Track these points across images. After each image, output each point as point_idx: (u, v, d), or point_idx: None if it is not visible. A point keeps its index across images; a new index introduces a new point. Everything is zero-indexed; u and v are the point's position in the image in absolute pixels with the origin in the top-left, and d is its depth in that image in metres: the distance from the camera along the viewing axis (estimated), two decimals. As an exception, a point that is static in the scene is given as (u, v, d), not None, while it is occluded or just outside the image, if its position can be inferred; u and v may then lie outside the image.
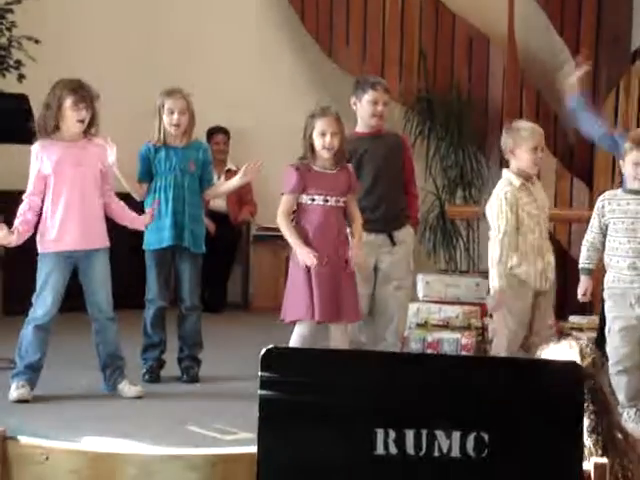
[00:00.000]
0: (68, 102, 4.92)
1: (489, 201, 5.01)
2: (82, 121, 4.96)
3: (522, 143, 4.92)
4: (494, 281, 4.90)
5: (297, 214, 4.93)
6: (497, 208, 4.91)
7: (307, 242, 4.84)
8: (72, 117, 4.95)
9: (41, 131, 4.97)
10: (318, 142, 4.84)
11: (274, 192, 8.02)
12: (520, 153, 4.92)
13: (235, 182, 5.61)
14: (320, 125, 4.81)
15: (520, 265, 4.90)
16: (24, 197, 5.02)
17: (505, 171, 5.03)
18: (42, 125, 4.97)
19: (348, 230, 4.99)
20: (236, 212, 8.20)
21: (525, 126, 5.07)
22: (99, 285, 5.07)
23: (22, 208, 5.00)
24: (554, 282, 5.07)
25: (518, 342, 4.98)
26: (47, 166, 4.96)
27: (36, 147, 5.01)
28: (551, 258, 5.01)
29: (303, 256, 4.78)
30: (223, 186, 5.88)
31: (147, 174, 5.48)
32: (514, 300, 4.92)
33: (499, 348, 5.01)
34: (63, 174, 4.97)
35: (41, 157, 4.97)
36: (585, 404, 1.95)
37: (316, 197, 4.88)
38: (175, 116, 5.41)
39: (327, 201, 4.88)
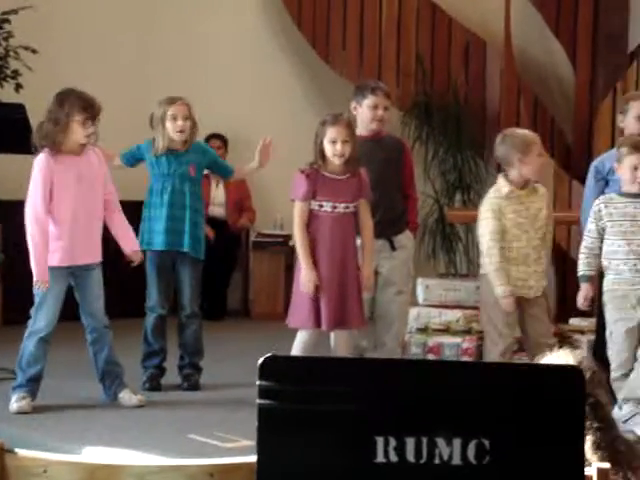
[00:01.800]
0: (78, 119, 4.87)
1: (479, 209, 5.08)
2: (88, 137, 4.94)
3: (529, 150, 4.93)
4: (498, 288, 4.92)
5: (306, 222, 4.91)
6: (482, 213, 5.00)
7: (314, 250, 4.82)
8: (80, 133, 4.90)
9: (47, 144, 4.92)
10: (329, 149, 4.81)
11: (273, 198, 8.06)
12: (529, 160, 4.93)
13: (254, 166, 5.65)
14: (331, 132, 4.80)
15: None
16: (32, 220, 4.89)
17: (500, 177, 5.06)
18: (48, 138, 4.90)
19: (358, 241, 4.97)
20: (235, 219, 8.19)
21: (526, 133, 5.09)
22: (95, 296, 5.06)
23: (35, 244, 4.87)
24: (544, 289, 5.07)
25: (508, 345, 5.00)
26: (50, 178, 4.91)
27: (42, 159, 4.94)
28: (539, 267, 5.01)
29: (305, 279, 4.78)
30: (245, 168, 5.82)
31: (131, 159, 5.54)
32: (497, 304, 4.94)
33: (490, 352, 5.04)
34: (66, 189, 4.92)
35: (47, 169, 4.92)
36: (587, 422, 1.94)
37: (324, 203, 4.86)
38: (179, 122, 5.41)
39: (335, 208, 4.86)
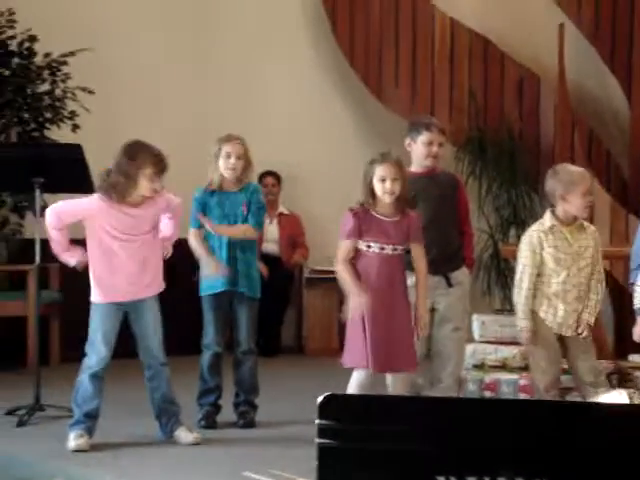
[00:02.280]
0: (148, 173, 4.90)
1: (520, 241, 5.09)
2: (155, 191, 4.99)
3: (573, 188, 4.91)
4: (519, 321, 4.97)
5: (354, 260, 4.87)
6: (523, 248, 4.99)
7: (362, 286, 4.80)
8: (147, 187, 4.92)
9: (114, 195, 4.93)
10: (378, 188, 4.80)
11: (326, 235, 8.07)
12: (572, 198, 4.91)
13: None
14: (380, 171, 4.78)
15: (541, 306, 4.95)
16: (52, 209, 5.02)
17: (548, 211, 5.03)
18: (117, 191, 4.91)
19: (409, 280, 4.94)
20: (289, 255, 8.21)
21: (575, 170, 5.05)
22: (151, 331, 5.08)
23: (51, 229, 5.01)
24: (590, 328, 5.01)
25: (551, 381, 4.98)
26: (94, 216, 4.96)
27: (96, 199, 4.98)
28: (579, 306, 4.96)
29: (353, 305, 4.73)
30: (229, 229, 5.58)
31: (199, 221, 5.49)
32: (539, 339, 4.95)
33: (537, 390, 5.04)
34: (118, 234, 4.96)
35: (92, 205, 4.98)
36: None
37: (372, 244, 4.82)
38: (232, 160, 5.44)
39: (383, 249, 4.82)
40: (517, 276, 5.01)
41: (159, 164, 4.93)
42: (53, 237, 5.04)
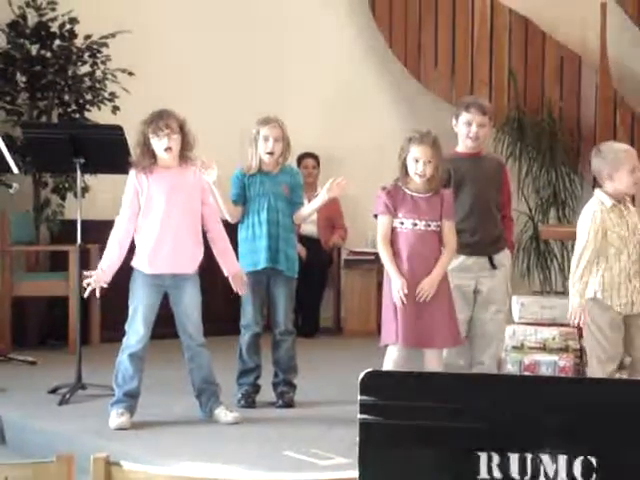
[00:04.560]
0: (150, 134, 5.01)
1: (579, 220, 4.96)
2: (169, 148, 5.03)
3: (620, 166, 4.84)
4: (573, 299, 4.85)
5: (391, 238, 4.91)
6: (585, 226, 4.87)
7: (398, 266, 4.82)
8: (158, 147, 5.02)
9: (139, 167, 5.07)
10: (411, 168, 4.83)
11: (364, 216, 8.04)
12: (620, 176, 4.84)
13: (319, 200, 5.57)
14: (415, 151, 4.80)
15: (604, 289, 4.83)
16: (116, 223, 5.11)
17: (597, 191, 4.96)
18: (139, 163, 5.06)
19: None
20: (327, 237, 8.22)
21: (621, 148, 5.00)
22: (189, 312, 5.11)
23: (110, 242, 5.07)
24: None
25: (614, 365, 4.88)
26: (142, 190, 5.04)
27: (131, 173, 5.11)
28: (638, 283, 4.89)
29: (394, 289, 4.77)
30: (308, 207, 5.76)
31: (241, 197, 5.51)
32: (604, 320, 4.84)
33: (594, 372, 4.93)
34: (157, 198, 5.04)
35: (135, 182, 5.06)
36: None
37: (404, 220, 4.86)
38: (270, 143, 5.45)
39: (416, 225, 4.84)
40: (576, 254, 4.87)
41: (155, 121, 4.99)
42: (111, 254, 5.06)
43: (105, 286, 5.05)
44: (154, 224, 5.05)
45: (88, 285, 5.04)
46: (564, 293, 7.30)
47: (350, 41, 8.49)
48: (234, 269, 5.23)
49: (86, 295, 5.20)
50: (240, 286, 5.24)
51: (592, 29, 7.76)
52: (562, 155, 7.94)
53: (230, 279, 5.22)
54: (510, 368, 5.76)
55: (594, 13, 7.71)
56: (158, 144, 5.02)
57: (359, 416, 1.88)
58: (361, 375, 1.90)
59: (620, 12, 8.08)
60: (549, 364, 5.72)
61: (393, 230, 4.87)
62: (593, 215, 4.86)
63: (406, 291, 4.75)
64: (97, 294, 5.07)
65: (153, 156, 5.05)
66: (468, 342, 5.22)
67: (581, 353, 5.80)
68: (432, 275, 4.82)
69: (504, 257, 5.33)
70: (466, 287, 5.17)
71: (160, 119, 5.00)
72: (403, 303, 4.75)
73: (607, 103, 7.77)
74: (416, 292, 4.79)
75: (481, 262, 5.21)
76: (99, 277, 5.03)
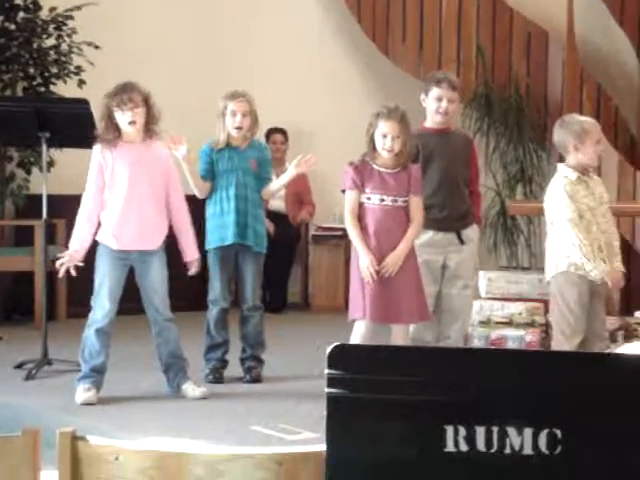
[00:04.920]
0: (114, 107, 4.98)
1: (546, 196, 4.97)
2: (133, 122, 4.99)
3: (586, 136, 4.86)
4: (597, 268, 4.76)
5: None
6: (557, 200, 4.85)
7: (366, 241, 4.82)
8: (122, 120, 4.99)
9: (103, 142, 5.03)
10: (379, 143, 4.82)
11: (332, 192, 8.03)
12: (584, 147, 4.86)
13: (288, 175, 5.57)
14: (382, 126, 4.79)
15: (582, 261, 4.82)
16: (83, 200, 5.07)
17: (560, 165, 4.98)
18: (103, 137, 5.04)
19: None
20: (295, 212, 8.21)
21: (584, 119, 5.03)
22: (156, 287, 5.10)
23: (79, 220, 5.04)
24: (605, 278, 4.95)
25: (580, 342, 4.90)
26: (106, 165, 5.02)
27: (96, 148, 5.08)
28: (603, 253, 4.89)
29: (363, 265, 4.76)
30: (276, 182, 5.76)
31: (209, 172, 5.49)
32: (572, 295, 4.84)
33: (559, 345, 4.95)
34: (121, 174, 5.02)
35: (100, 157, 5.03)
36: None
37: (372, 196, 4.85)
38: (238, 118, 5.42)
39: (383, 200, 4.84)
40: (566, 234, 4.78)
41: (118, 94, 4.96)
42: (81, 233, 5.03)
43: (80, 264, 5.02)
44: (118, 199, 5.02)
45: (61, 265, 5.01)
46: (530, 268, 7.36)
47: (319, 16, 8.45)
48: (193, 256, 5.21)
49: (61, 275, 5.16)
50: (194, 269, 5.23)
51: (559, 5, 7.76)
52: (529, 131, 7.96)
53: (188, 264, 5.20)
54: (477, 343, 5.80)
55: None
56: (122, 118, 4.98)
57: (326, 390, 1.88)
58: (328, 349, 1.90)
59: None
60: (516, 339, 5.77)
61: (360, 205, 4.86)
62: (564, 188, 4.84)
63: (376, 267, 4.75)
64: (73, 273, 5.04)
65: (117, 130, 5.01)
66: (435, 317, 5.25)
67: (547, 328, 5.85)
68: (396, 251, 4.81)
69: (472, 232, 5.34)
70: (434, 262, 5.19)
71: (124, 92, 4.97)
72: (373, 279, 4.75)
73: (574, 79, 7.80)
74: (380, 267, 4.80)
75: (449, 237, 5.22)
76: (72, 257, 5.00)
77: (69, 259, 5.00)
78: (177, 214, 5.16)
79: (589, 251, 4.79)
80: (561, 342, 4.94)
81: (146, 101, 5.02)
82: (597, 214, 4.91)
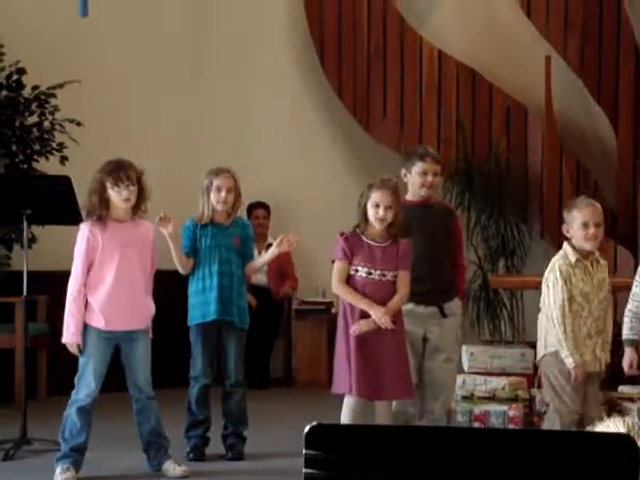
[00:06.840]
0: (109, 184, 4.97)
1: (545, 274, 4.92)
2: (127, 200, 5.00)
3: (572, 221, 4.83)
4: (572, 357, 4.74)
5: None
6: (550, 279, 4.83)
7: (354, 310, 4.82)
8: (116, 198, 4.99)
9: (90, 216, 5.02)
10: (371, 213, 4.83)
11: (315, 266, 8.07)
12: (572, 230, 4.83)
13: (270, 254, 5.60)
14: (375, 197, 4.82)
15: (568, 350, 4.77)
16: (71, 286, 5.01)
17: (565, 244, 4.94)
18: (91, 212, 5.02)
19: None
20: (277, 286, 8.19)
21: (578, 202, 4.95)
22: (140, 365, 5.07)
23: (72, 303, 4.99)
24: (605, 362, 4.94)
25: (574, 421, 4.84)
26: (97, 244, 4.99)
27: (84, 228, 5.05)
28: (599, 339, 4.86)
29: (377, 316, 4.73)
30: (259, 260, 5.82)
31: (192, 249, 5.49)
32: (563, 374, 4.81)
33: (553, 425, 4.87)
34: (110, 255, 4.99)
35: (88, 238, 5.00)
36: None
37: (359, 268, 4.86)
38: (222, 194, 5.46)
39: (370, 274, 4.84)
40: (556, 313, 4.76)
41: (115, 171, 4.96)
42: (76, 316, 4.99)
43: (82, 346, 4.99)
44: (108, 279, 4.99)
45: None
46: (513, 343, 7.34)
47: (300, 92, 8.53)
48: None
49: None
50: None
51: (537, 81, 7.87)
52: (510, 205, 8.02)
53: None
54: (460, 418, 5.76)
55: (539, 66, 7.83)
56: (117, 195, 4.98)
57: (304, 470, 1.86)
58: (306, 429, 1.89)
59: (564, 65, 8.23)
60: (499, 414, 5.73)
61: (349, 276, 4.86)
62: (559, 270, 4.80)
63: (389, 319, 4.73)
64: (78, 355, 5.01)
65: (107, 206, 5.00)
66: (418, 391, 5.21)
67: (530, 403, 5.82)
68: (375, 317, 4.78)
69: (454, 306, 5.33)
70: (414, 334, 5.15)
71: (121, 170, 4.97)
72: (349, 349, 4.73)
73: (553, 154, 7.88)
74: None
75: (431, 310, 5.20)
76: (72, 345, 4.99)
77: (71, 348, 4.98)
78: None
79: (570, 338, 4.76)
80: (555, 422, 4.87)
81: (139, 180, 5.04)
82: (593, 300, 4.84)
